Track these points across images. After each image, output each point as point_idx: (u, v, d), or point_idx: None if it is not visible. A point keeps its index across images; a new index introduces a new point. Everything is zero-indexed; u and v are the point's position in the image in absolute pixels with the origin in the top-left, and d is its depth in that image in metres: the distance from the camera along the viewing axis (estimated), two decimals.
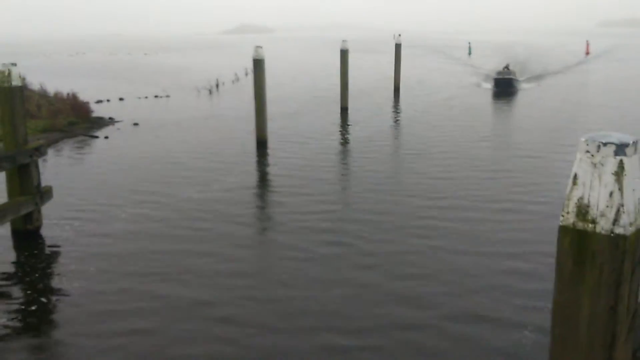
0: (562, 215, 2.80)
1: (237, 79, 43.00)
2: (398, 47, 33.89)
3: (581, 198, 2.74)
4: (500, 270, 9.33)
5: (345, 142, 20.67)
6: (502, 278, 9.02)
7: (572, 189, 2.76)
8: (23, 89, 11.44)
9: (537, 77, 40.72)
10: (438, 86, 36.66)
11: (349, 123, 24.29)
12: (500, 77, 33.23)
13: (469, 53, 71.07)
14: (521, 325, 7.52)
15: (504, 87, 32.71)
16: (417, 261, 9.80)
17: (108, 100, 31.49)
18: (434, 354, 7.06)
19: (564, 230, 2.79)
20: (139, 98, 32.75)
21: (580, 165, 2.74)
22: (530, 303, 8.09)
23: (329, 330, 7.64)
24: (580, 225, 2.74)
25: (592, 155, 2.69)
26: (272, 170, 16.53)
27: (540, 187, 13.95)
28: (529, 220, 11.61)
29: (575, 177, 2.76)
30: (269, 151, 18.82)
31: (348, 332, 7.58)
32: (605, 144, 2.66)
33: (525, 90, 33.76)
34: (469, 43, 75.65)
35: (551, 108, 27.19)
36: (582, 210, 2.73)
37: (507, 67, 36.76)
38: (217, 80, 39.29)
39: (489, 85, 34.90)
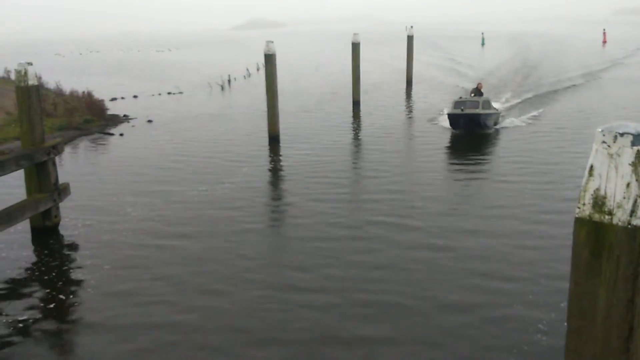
0: (578, 207, 2.77)
1: (249, 75, 43.09)
2: (410, 39, 33.64)
3: (597, 189, 2.71)
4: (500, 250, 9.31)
5: (356, 136, 20.64)
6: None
7: (588, 180, 2.73)
8: (39, 87, 11.59)
9: (543, 98, 26.69)
10: (368, 128, 21.85)
11: (360, 117, 24.24)
12: (458, 111, 18.90)
13: (482, 44, 70.33)
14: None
15: (465, 128, 19.31)
16: (420, 248, 9.81)
17: (122, 98, 31.77)
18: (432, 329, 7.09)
19: (580, 222, 2.77)
20: (153, 95, 32.98)
21: (597, 156, 2.70)
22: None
23: (338, 306, 7.71)
24: (596, 217, 2.71)
25: (609, 146, 2.66)
26: (284, 165, 16.57)
27: None
28: None
29: (591, 168, 2.72)
30: (281, 146, 18.87)
31: (353, 306, 7.64)
32: (622, 135, 2.62)
33: (506, 132, 19.85)
34: (482, 34, 74.86)
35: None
36: (599, 202, 2.70)
37: (477, 88, 21.73)
38: (228, 76, 39.43)
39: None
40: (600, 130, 2.71)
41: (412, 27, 35.14)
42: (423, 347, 7.17)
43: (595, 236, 2.73)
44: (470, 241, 10.34)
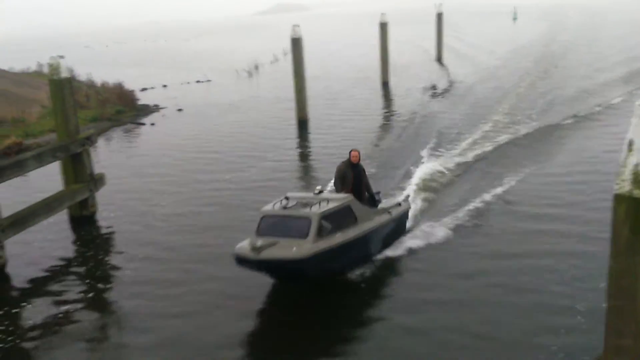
0: (617, 183, 2.69)
1: (276, 60, 43.02)
2: (440, 16, 33.03)
3: (638, 165, 2.62)
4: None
5: (386, 118, 20.44)
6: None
7: (627, 155, 2.65)
8: (71, 80, 11.86)
9: (551, 132, 15.86)
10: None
11: (390, 98, 23.99)
12: (248, 253, 7.54)
13: (514, 18, 68.43)
14: None
15: (275, 278, 8.37)
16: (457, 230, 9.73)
17: (152, 88, 32.20)
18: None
19: (619, 198, 2.69)
20: (182, 84, 33.34)
21: (636, 131, 2.61)
22: None
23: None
24: (636, 193, 2.62)
25: None
26: (313, 151, 16.55)
27: None
28: None
29: (630, 143, 2.64)
30: (310, 131, 18.84)
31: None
32: None
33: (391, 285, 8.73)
34: (514, 8, 72.74)
35: None
36: (639, 178, 2.62)
37: (350, 162, 9.23)
38: (255, 62, 39.46)
39: None
40: (639, 103, 2.62)
41: (441, 4, 34.43)
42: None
43: (636, 213, 2.65)
44: None
